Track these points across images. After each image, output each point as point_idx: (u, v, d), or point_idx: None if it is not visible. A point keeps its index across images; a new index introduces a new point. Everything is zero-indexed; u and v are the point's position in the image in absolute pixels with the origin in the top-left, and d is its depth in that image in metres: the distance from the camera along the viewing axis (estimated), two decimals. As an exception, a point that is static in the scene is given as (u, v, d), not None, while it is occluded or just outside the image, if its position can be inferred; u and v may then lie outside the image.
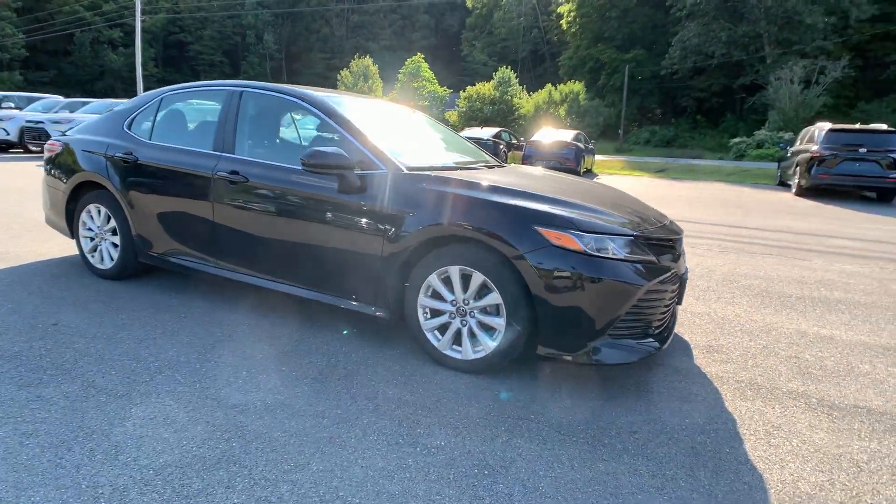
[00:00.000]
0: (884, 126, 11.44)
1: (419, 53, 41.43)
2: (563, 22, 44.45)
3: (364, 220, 2.71)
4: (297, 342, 2.88)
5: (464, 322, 2.58)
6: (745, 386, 2.64)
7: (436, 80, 41.14)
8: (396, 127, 3.56)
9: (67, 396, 2.20)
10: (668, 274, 2.56)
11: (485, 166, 3.39)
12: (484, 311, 2.53)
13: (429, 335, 2.66)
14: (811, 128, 12.51)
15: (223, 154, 3.17)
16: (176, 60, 54.38)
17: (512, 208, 2.47)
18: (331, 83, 54.28)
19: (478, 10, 59.19)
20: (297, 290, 2.99)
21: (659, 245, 2.63)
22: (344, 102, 3.25)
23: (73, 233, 3.93)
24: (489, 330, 2.54)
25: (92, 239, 3.79)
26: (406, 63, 40.38)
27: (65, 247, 4.56)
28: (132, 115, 3.66)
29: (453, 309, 2.59)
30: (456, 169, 3.10)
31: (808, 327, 3.52)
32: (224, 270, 3.23)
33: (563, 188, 2.98)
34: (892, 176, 10.47)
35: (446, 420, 2.19)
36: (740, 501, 1.80)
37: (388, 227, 2.64)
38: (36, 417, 2.04)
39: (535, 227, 2.39)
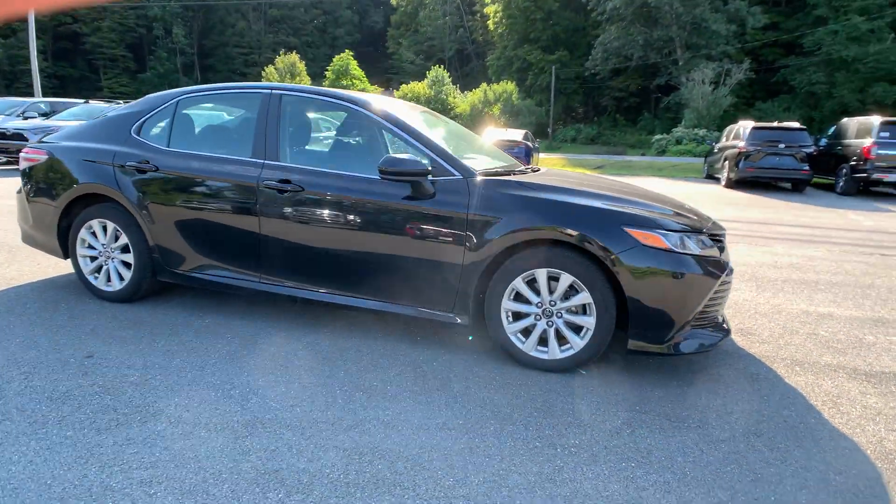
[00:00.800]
0: (797, 124, 12.72)
1: (347, 50, 40.71)
2: (489, 23, 45.31)
3: (442, 227, 2.68)
4: (370, 355, 2.80)
5: (550, 323, 2.63)
6: (790, 363, 2.90)
7: (366, 79, 40.62)
8: (439, 131, 3.53)
9: (162, 435, 2.02)
10: (729, 267, 2.76)
11: (526, 169, 3.45)
12: (571, 311, 2.60)
13: (513, 338, 2.69)
14: (735, 125, 13.65)
15: (267, 162, 3.00)
16: (69, 54, 49.55)
17: (600, 211, 2.56)
18: (252, 79, 51.91)
19: (402, 8, 58.98)
20: (364, 303, 2.90)
21: (715, 240, 2.82)
22: (392, 105, 3.18)
23: (66, 253, 3.55)
24: (576, 329, 2.61)
25: (94, 258, 3.44)
26: (334, 60, 39.51)
27: (41, 267, 4.11)
28: (140, 120, 3.36)
29: (539, 311, 2.64)
30: (509, 173, 3.14)
31: (807, 307, 3.90)
32: (270, 286, 3.06)
33: (618, 188, 3.10)
34: (805, 168, 11.67)
35: (565, 419, 2.24)
36: (850, 464, 2.00)
37: (469, 233, 2.64)
38: (143, 462, 1.86)
39: (625, 228, 2.49)
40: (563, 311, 2.60)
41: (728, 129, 14.11)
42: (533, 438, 2.09)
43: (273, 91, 3.15)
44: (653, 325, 2.50)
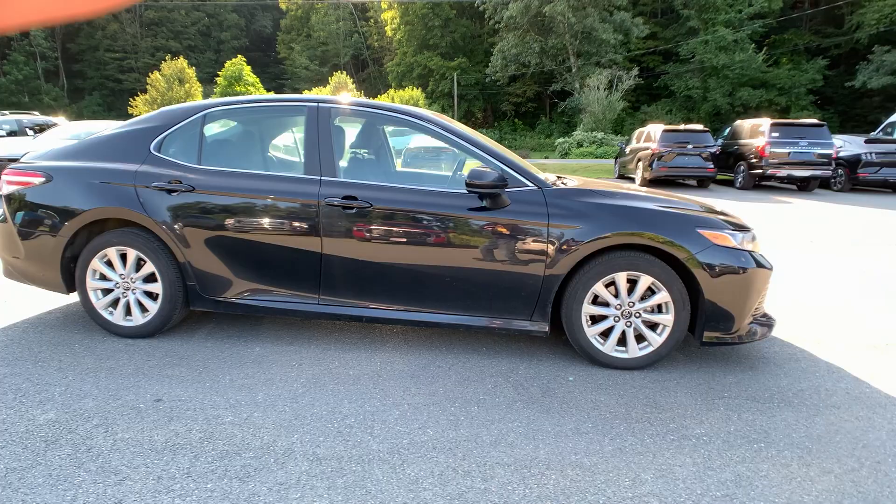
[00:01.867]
0: (701, 126, 14.22)
1: (240, 56, 38.81)
2: (387, 28, 45.50)
3: (522, 238, 2.76)
4: (453, 370, 2.80)
5: (628, 323, 2.81)
6: (820, 341, 3.32)
7: (261, 85, 39.03)
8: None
9: (313, 475, 1.91)
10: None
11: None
12: (648, 310, 2.79)
13: (593, 341, 2.83)
14: (644, 128, 14.97)
15: (324, 178, 2.89)
16: None
17: (675, 215, 2.79)
18: (129, 85, 47.49)
19: (293, 12, 57.37)
20: (437, 318, 2.89)
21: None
22: (437, 117, 3.20)
23: (69, 286, 3.15)
24: (652, 327, 2.81)
25: (108, 291, 3.09)
26: (226, 66, 37.54)
27: (13, 304, 3.58)
28: (160, 136, 3.08)
29: (618, 312, 2.81)
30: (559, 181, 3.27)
31: (800, 297, 4.45)
32: (331, 307, 2.95)
33: (655, 194, 3.36)
34: (710, 167, 13.10)
35: (675, 412, 2.42)
36: None
37: (550, 242, 2.74)
38: None
39: (698, 230, 2.73)
40: (640, 312, 2.80)
41: (637, 131, 15.42)
42: (663, 433, 2.24)
43: (320, 104, 3.03)
44: (724, 318, 2.77)
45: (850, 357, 3.07)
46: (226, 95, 35.86)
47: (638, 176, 14.13)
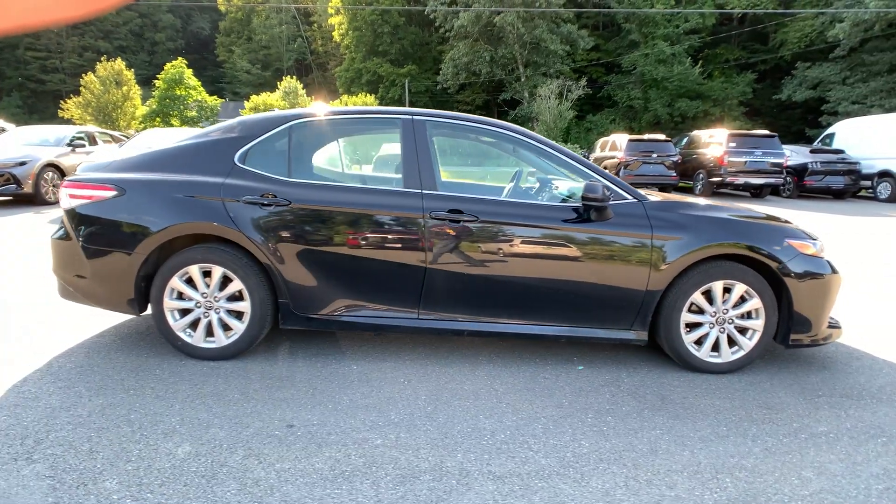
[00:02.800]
0: (663, 136, 14.99)
1: (180, 58, 37.16)
2: (335, 34, 44.96)
3: (626, 249, 2.85)
4: (563, 382, 2.84)
5: (722, 329, 2.96)
6: (862, 336, 3.60)
7: (202, 88, 37.51)
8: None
9: (504, 492, 1.90)
10: None
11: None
12: (740, 316, 2.95)
13: (690, 348, 2.96)
14: (608, 138, 15.61)
15: (426, 192, 2.87)
16: None
17: (767, 227, 2.96)
18: (53, 87, 44.25)
19: (232, 14, 55.60)
20: (538, 330, 2.93)
21: None
22: (530, 132, 3.23)
23: (141, 307, 2.95)
24: (742, 332, 2.97)
25: (186, 311, 2.92)
26: (166, 68, 35.84)
27: (53, 327, 3.30)
28: (244, 147, 2.95)
29: (713, 319, 2.95)
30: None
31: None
32: (431, 321, 2.92)
33: (731, 205, 3.55)
34: (673, 174, 13.83)
35: (790, 412, 2.57)
36: None
37: (654, 253, 2.85)
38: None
39: (787, 240, 2.92)
40: (733, 318, 2.95)
41: (601, 140, 16.06)
42: (793, 432, 2.38)
43: (415, 117, 3.01)
44: (807, 322, 2.97)
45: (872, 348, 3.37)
46: (166, 99, 34.26)
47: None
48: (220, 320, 2.93)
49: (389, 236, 2.84)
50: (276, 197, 2.83)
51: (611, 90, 37.80)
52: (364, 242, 2.84)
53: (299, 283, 2.87)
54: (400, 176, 2.98)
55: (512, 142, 3.11)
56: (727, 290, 2.93)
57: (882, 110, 26.35)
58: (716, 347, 2.98)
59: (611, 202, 2.88)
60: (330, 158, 3.17)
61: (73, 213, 2.91)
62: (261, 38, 55.49)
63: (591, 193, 2.74)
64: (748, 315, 2.96)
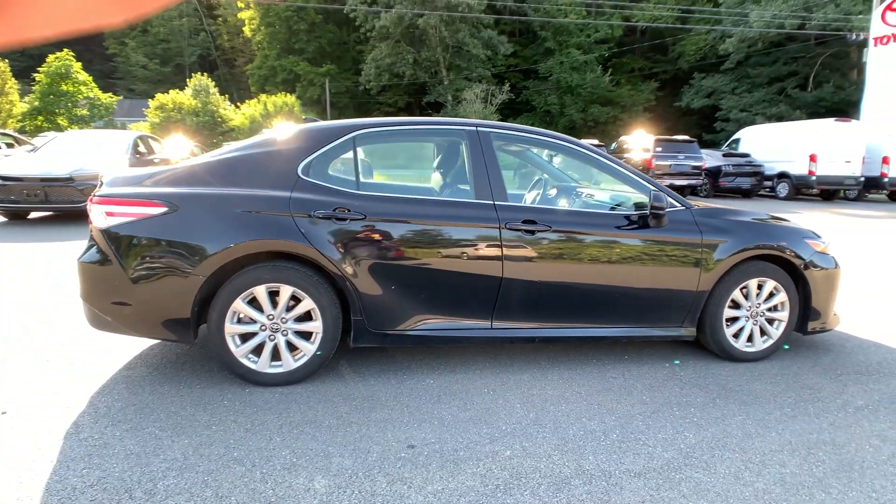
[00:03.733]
0: (597, 140, 15.90)
1: (66, 50, 33.78)
2: (245, 29, 42.96)
3: (681, 253, 3.09)
4: (631, 382, 3.02)
5: (755, 322, 3.29)
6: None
7: (94, 83, 34.38)
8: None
9: (661, 487, 2.02)
10: None
11: None
12: (770, 309, 3.30)
13: (731, 340, 3.26)
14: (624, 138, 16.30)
15: (498, 203, 2.93)
16: None
17: (790, 228, 3.33)
18: None
19: (126, 3, 51.30)
20: (602, 332, 3.09)
21: None
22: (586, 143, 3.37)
23: (195, 334, 2.76)
24: (771, 322, 3.33)
25: (249, 335, 2.76)
26: (48, 60, 32.47)
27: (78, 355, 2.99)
28: (307, 159, 2.85)
29: (748, 313, 3.27)
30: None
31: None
32: (504, 331, 2.99)
33: (749, 209, 3.91)
34: (699, 176, 14.65)
35: (831, 391, 2.89)
36: None
37: (704, 255, 3.11)
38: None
39: (806, 241, 3.31)
40: (764, 311, 3.29)
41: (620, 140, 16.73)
42: (841, 407, 2.71)
43: (480, 129, 3.06)
44: (820, 311, 3.37)
45: (874, 329, 3.90)
46: (50, 95, 30.99)
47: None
48: (288, 342, 2.81)
49: (466, 248, 2.87)
50: (349, 211, 2.77)
51: (528, 95, 39.26)
52: (441, 255, 2.85)
53: (376, 299, 2.82)
54: (467, 187, 3.02)
55: (572, 153, 3.25)
56: (759, 286, 3.26)
57: (764, 118, 29.59)
58: (749, 338, 3.30)
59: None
60: (394, 169, 3.12)
61: (112, 234, 2.65)
62: (158, 31, 51.73)
63: (658, 203, 2.94)
64: (776, 308, 3.31)
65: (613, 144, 16.87)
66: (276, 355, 2.80)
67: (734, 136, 17.04)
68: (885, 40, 15.47)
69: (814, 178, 14.01)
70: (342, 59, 42.29)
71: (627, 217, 3.09)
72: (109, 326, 2.78)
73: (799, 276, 3.29)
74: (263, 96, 30.14)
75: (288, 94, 30.55)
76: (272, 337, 2.78)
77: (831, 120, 14.15)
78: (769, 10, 26.44)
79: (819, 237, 3.42)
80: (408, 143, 3.30)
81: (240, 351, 2.75)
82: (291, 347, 2.82)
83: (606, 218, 3.07)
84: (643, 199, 3.14)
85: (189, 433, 2.33)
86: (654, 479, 2.07)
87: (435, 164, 3.28)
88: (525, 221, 2.91)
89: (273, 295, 2.75)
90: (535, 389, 2.85)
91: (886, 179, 13.69)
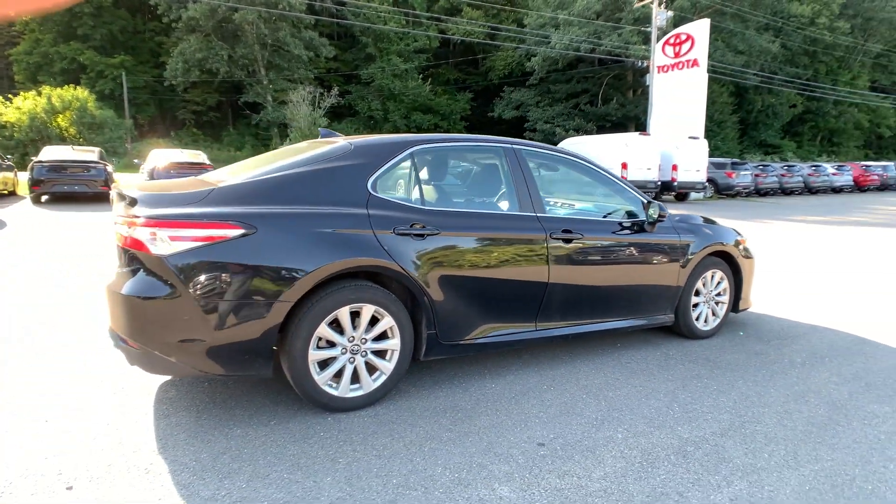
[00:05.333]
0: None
1: None
2: (2, 4, 35.22)
3: (670, 253, 3.72)
4: (640, 362, 3.55)
5: (709, 306, 4.10)
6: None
7: None
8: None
9: (743, 453, 2.53)
10: None
11: None
12: (718, 294, 4.14)
13: (698, 323, 4.02)
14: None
15: (539, 215, 3.21)
16: None
17: (726, 228, 4.19)
18: None
19: None
20: (618, 324, 3.58)
21: None
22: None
23: (272, 366, 2.53)
24: (718, 305, 4.17)
25: (329, 360, 2.62)
26: None
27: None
28: (374, 175, 2.79)
29: (705, 300, 4.07)
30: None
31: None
32: (545, 332, 3.28)
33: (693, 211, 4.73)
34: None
35: (766, 359, 3.80)
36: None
37: (683, 253, 3.80)
38: None
39: (736, 237, 4.21)
40: (715, 297, 4.12)
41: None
42: (799, 364, 3.59)
43: (514, 146, 3.29)
44: (746, 293, 4.33)
45: (770, 304, 5.10)
46: None
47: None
48: (367, 363, 2.73)
49: (522, 257, 3.09)
50: (425, 227, 2.80)
51: (352, 100, 39.36)
52: (501, 265, 3.03)
53: (448, 312, 2.88)
54: (507, 202, 3.24)
55: (582, 170, 3.66)
56: (712, 277, 4.07)
57: (563, 130, 34.19)
58: (705, 320, 4.10)
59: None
60: (455, 184, 3.17)
61: (179, 261, 2.31)
62: None
63: (662, 212, 3.53)
64: (720, 294, 4.16)
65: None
66: (354, 378, 2.71)
67: (559, 145, 19.49)
68: (665, 69, 19.26)
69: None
70: (138, 49, 37.45)
71: (634, 224, 3.62)
72: (170, 368, 2.40)
73: (735, 267, 4.19)
74: (47, 89, 25.30)
75: (78, 88, 25.97)
76: (352, 359, 2.68)
77: (636, 134, 17.10)
78: (567, 34, 30.64)
79: (741, 234, 4.37)
80: (456, 159, 3.38)
81: (322, 378, 2.60)
82: (370, 369, 2.74)
83: (618, 226, 3.56)
84: (632, 208, 3.70)
85: (316, 473, 2.17)
86: (737, 437, 2.58)
87: (471, 179, 3.43)
88: (564, 231, 3.25)
89: (354, 316, 2.66)
90: (582, 381, 3.20)
91: (676, 183, 17.07)
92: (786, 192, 23.31)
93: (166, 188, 2.71)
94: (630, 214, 3.68)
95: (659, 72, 19.53)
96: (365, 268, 2.63)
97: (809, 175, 24.21)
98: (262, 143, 37.45)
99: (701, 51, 18.50)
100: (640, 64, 24.68)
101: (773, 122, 39.80)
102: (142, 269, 2.37)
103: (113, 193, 2.94)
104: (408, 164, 2.94)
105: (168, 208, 2.40)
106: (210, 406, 2.74)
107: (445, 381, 3.13)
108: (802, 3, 37.34)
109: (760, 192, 21.79)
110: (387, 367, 2.76)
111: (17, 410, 2.65)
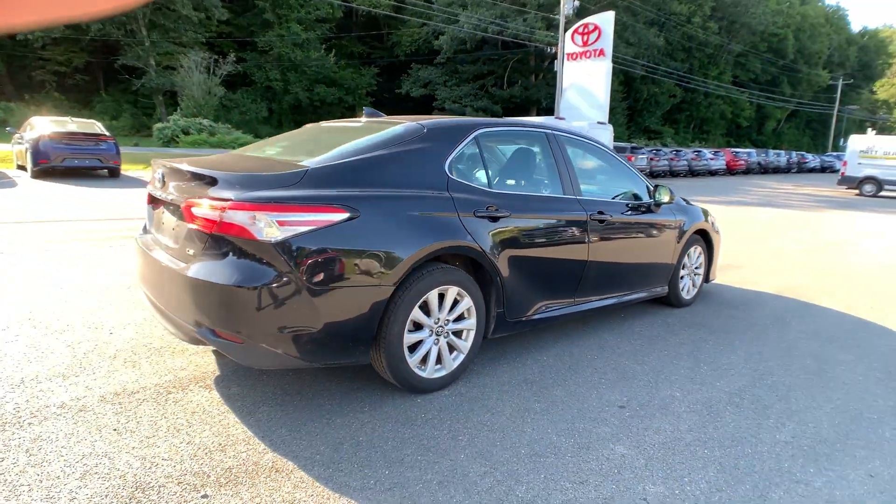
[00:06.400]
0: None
1: None
2: None
3: (672, 231, 4.17)
4: (637, 332, 3.97)
5: (691, 278, 4.64)
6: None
7: None
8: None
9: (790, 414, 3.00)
10: None
11: None
12: (697, 267, 4.69)
13: (683, 293, 4.54)
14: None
15: (578, 198, 3.45)
16: None
17: (701, 207, 4.73)
18: None
19: None
20: (633, 297, 3.96)
21: None
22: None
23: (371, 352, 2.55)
24: (696, 276, 4.73)
25: (417, 343, 2.70)
26: None
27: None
28: (449, 157, 2.85)
29: (689, 273, 4.60)
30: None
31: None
32: (580, 305, 3.57)
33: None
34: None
35: (752, 317, 4.43)
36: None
37: (679, 231, 4.26)
38: None
39: (708, 215, 4.78)
40: (695, 270, 4.66)
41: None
42: (771, 324, 4.22)
43: (554, 132, 3.48)
44: (715, 265, 4.94)
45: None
46: None
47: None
48: (448, 344, 2.83)
49: (572, 237, 3.34)
50: (498, 210, 2.92)
51: (248, 68, 36.95)
52: (555, 245, 3.25)
53: (514, 291, 3.04)
54: (551, 184, 3.44)
55: (601, 155, 3.95)
56: (694, 251, 4.61)
57: (472, 110, 34.89)
58: (687, 291, 4.64)
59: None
60: (511, 167, 3.24)
61: (290, 246, 2.24)
62: None
63: (672, 195, 3.92)
64: (698, 266, 4.72)
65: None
66: (437, 359, 2.80)
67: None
68: (574, 56, 20.32)
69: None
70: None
71: (648, 205, 4.00)
72: (274, 360, 2.34)
73: (709, 242, 4.76)
74: None
75: None
76: (437, 341, 2.76)
77: (552, 117, 17.97)
78: (475, 15, 31.07)
79: (709, 212, 4.96)
80: (509, 144, 3.47)
81: (413, 361, 2.66)
82: (450, 349, 2.84)
83: (635, 207, 3.91)
84: (639, 190, 4.08)
85: (449, 450, 2.28)
86: (765, 388, 3.05)
87: (522, 163, 3.55)
88: (598, 212, 3.53)
89: (441, 299, 2.74)
90: (616, 350, 3.54)
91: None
92: (674, 174, 25.85)
93: (241, 167, 2.57)
94: (636, 197, 4.05)
95: (568, 59, 20.60)
96: (453, 250, 2.71)
97: (693, 159, 27.02)
98: (144, 112, 34.15)
99: (607, 41, 19.76)
100: (549, 50, 25.80)
101: (656, 109, 43.56)
102: (240, 256, 2.26)
103: (160, 170, 2.74)
104: (474, 146, 3.03)
105: (266, 191, 2.31)
106: (284, 398, 2.69)
107: (498, 358, 3.30)
108: (681, 2, 41.00)
109: (654, 175, 23.96)
110: (464, 346, 2.88)
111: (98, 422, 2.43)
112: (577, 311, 3.56)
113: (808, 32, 51.76)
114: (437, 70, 37.02)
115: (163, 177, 2.67)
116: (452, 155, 2.89)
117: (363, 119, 3.50)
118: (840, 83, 50.95)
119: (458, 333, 2.88)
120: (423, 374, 2.71)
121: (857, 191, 19.89)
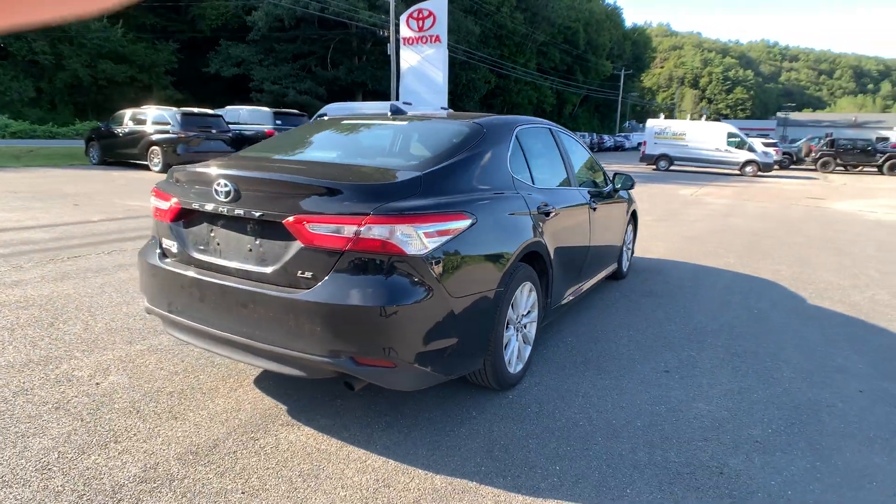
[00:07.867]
0: (218, 111, 14.87)
1: None
2: None
3: (626, 213, 4.82)
4: (621, 302, 4.57)
5: (626, 254, 5.39)
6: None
7: None
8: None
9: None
10: None
11: None
12: (629, 242, 5.45)
13: (622, 268, 5.25)
14: (143, 109, 14.19)
15: (577, 187, 3.83)
16: None
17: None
18: None
19: None
20: (601, 275, 4.49)
21: None
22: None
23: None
24: (629, 252, 5.50)
25: (507, 342, 2.83)
26: None
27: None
28: (506, 156, 2.99)
29: (627, 248, 5.34)
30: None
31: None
32: (580, 290, 3.97)
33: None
34: (231, 150, 14.41)
35: (664, 294, 5.32)
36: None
37: (630, 212, 4.96)
38: None
39: (634, 203, 5.58)
40: (630, 245, 5.42)
41: (131, 112, 14.32)
42: (675, 289, 5.14)
43: (552, 126, 3.79)
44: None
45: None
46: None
47: (158, 161, 13.60)
48: (524, 337, 3.00)
49: (581, 224, 3.71)
50: (547, 206, 3.14)
51: (5, 40, 30.44)
52: (577, 233, 3.60)
53: (557, 282, 3.30)
54: (561, 176, 3.74)
55: (579, 147, 4.34)
56: (629, 229, 5.35)
57: (296, 91, 33.51)
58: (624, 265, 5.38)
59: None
60: (539, 163, 3.31)
61: (434, 259, 2.20)
62: None
63: (631, 181, 4.53)
64: (630, 241, 5.49)
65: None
66: (520, 354, 2.96)
67: (319, 112, 19.28)
68: (410, 41, 20.72)
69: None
70: None
71: (614, 190, 4.55)
72: (422, 380, 2.30)
73: (636, 220, 5.55)
74: None
75: None
76: (516, 337, 2.92)
77: (398, 102, 18.21)
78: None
79: None
80: (533, 139, 3.56)
81: (508, 358, 2.80)
82: (525, 341, 3.02)
83: (607, 193, 4.42)
84: (601, 178, 4.61)
85: (566, 438, 2.49)
86: (749, 337, 3.79)
87: (540, 157, 3.71)
88: (592, 199, 3.95)
89: (523, 292, 2.89)
90: (620, 321, 4.05)
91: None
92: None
93: (344, 176, 2.39)
94: (605, 181, 4.56)
95: (405, 44, 20.98)
96: (533, 247, 2.88)
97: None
98: None
99: (442, 27, 20.56)
100: (381, 33, 25.81)
101: (474, 94, 46.50)
102: (385, 273, 2.15)
103: (227, 182, 2.37)
104: (517, 144, 3.19)
105: (400, 201, 2.21)
106: (385, 420, 2.62)
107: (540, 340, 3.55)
108: (491, -10, 44.16)
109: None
110: (531, 338, 3.08)
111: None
112: (580, 295, 3.96)
113: (594, 27, 59.61)
114: (251, 48, 34.63)
115: (236, 189, 2.32)
116: (509, 153, 3.03)
117: (388, 115, 3.43)
118: (623, 73, 59.89)
119: (525, 327, 3.06)
120: (511, 371, 2.85)
121: (654, 166, 23.90)
